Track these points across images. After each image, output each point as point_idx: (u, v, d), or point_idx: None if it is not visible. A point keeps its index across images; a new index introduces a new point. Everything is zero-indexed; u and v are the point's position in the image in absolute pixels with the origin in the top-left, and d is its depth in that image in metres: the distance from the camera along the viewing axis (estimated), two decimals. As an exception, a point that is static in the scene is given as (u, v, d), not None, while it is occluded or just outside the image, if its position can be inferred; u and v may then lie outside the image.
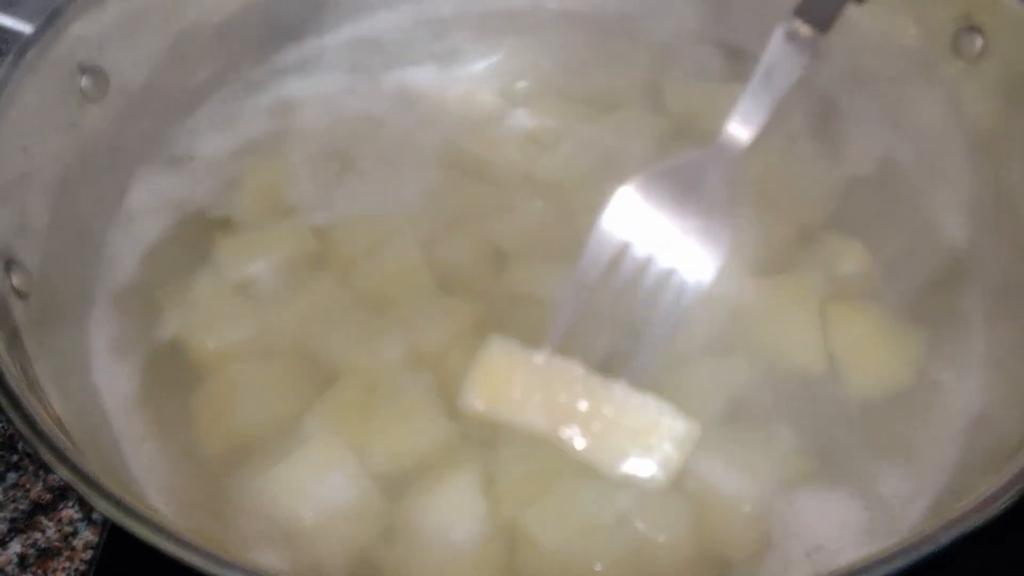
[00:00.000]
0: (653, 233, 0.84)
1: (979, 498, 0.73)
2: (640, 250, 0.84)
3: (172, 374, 1.03)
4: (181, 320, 1.06)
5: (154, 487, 0.95)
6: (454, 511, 0.90)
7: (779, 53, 0.81)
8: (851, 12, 1.21)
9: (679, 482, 0.91)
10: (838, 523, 0.91)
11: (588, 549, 0.87)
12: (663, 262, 0.85)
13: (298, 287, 1.08)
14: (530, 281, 1.06)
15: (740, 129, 0.83)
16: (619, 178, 1.16)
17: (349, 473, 0.91)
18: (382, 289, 1.07)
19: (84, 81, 1.08)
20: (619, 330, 0.87)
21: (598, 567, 0.87)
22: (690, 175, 0.84)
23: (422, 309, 1.04)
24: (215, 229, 1.15)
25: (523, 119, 1.24)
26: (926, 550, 0.68)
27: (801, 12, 0.80)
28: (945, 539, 0.69)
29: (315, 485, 0.90)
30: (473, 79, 1.32)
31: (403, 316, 1.03)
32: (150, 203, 1.19)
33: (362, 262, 1.10)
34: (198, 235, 1.15)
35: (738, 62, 1.32)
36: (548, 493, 0.90)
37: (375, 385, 0.98)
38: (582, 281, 0.85)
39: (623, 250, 0.84)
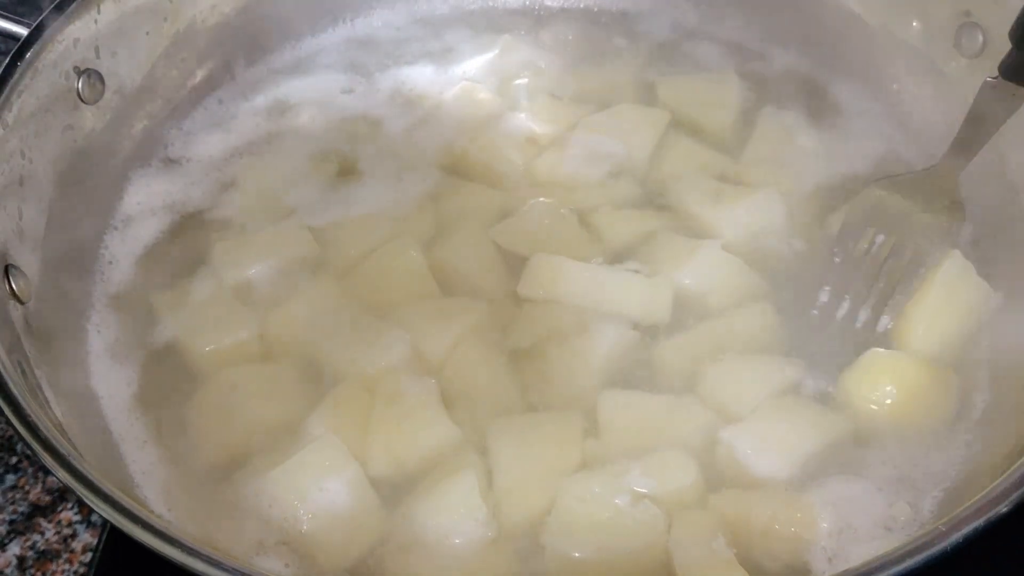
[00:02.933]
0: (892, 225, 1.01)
1: (985, 498, 0.73)
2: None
3: (171, 378, 1.02)
4: (179, 323, 1.05)
5: (154, 490, 0.95)
6: (455, 515, 0.89)
7: (987, 102, 0.96)
8: (854, 8, 1.23)
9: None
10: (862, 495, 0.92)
11: (609, 542, 0.87)
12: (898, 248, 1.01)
13: (297, 290, 1.07)
14: (532, 282, 1.06)
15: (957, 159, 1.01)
16: (619, 178, 1.17)
17: (349, 477, 0.91)
18: (382, 291, 1.06)
19: (80, 83, 1.08)
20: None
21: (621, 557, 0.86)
22: (918, 186, 1.01)
23: (423, 311, 1.04)
24: (212, 231, 1.14)
25: (522, 118, 1.24)
26: (937, 549, 0.68)
27: (1007, 74, 0.93)
28: (954, 539, 0.69)
29: (315, 488, 0.90)
30: (470, 78, 1.31)
31: (404, 319, 1.03)
32: (146, 205, 1.18)
33: (361, 264, 1.09)
34: (195, 238, 1.14)
35: (736, 58, 1.32)
36: (554, 496, 0.90)
37: (375, 389, 0.97)
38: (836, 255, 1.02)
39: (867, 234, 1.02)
